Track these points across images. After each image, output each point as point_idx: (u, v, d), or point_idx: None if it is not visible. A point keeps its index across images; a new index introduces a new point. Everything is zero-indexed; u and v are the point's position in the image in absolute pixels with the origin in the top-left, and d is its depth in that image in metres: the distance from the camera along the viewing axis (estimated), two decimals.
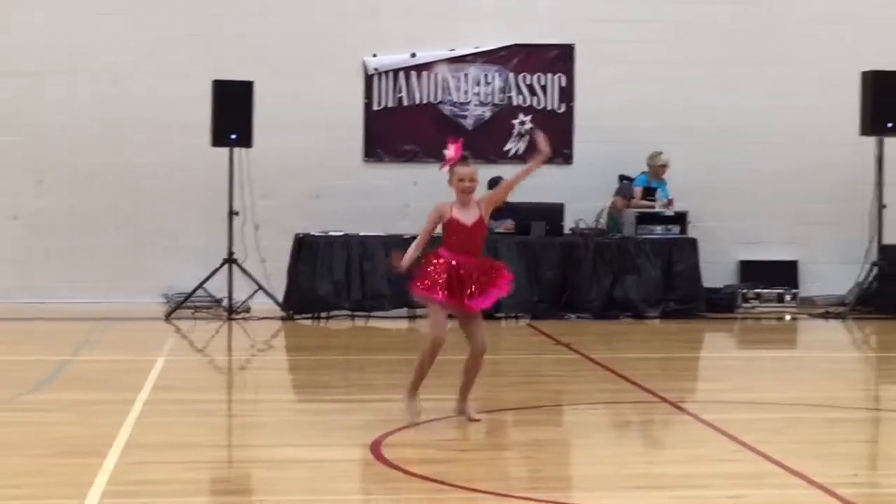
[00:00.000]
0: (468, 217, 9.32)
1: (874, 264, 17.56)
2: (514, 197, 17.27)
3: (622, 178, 18.31)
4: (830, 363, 13.79)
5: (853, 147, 17.97)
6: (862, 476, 8.07)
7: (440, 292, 9.16)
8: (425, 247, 9.39)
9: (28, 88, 17.91)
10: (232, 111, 16.86)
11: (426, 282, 9.24)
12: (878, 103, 17.41)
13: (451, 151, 9.47)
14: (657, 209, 17.78)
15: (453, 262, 9.22)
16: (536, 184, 17.90)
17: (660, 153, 18.13)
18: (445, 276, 9.17)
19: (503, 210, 17.27)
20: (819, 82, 18.77)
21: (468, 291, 9.18)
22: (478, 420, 9.39)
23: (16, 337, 15.30)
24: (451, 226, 9.32)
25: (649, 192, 17.98)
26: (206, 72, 17.28)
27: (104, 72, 18.03)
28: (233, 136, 16.85)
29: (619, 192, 18.15)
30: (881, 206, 17.59)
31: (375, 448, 8.45)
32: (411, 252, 9.37)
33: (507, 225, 17.35)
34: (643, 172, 18.19)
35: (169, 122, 17.91)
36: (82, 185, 18.02)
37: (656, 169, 18.17)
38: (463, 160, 9.42)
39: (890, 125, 17.40)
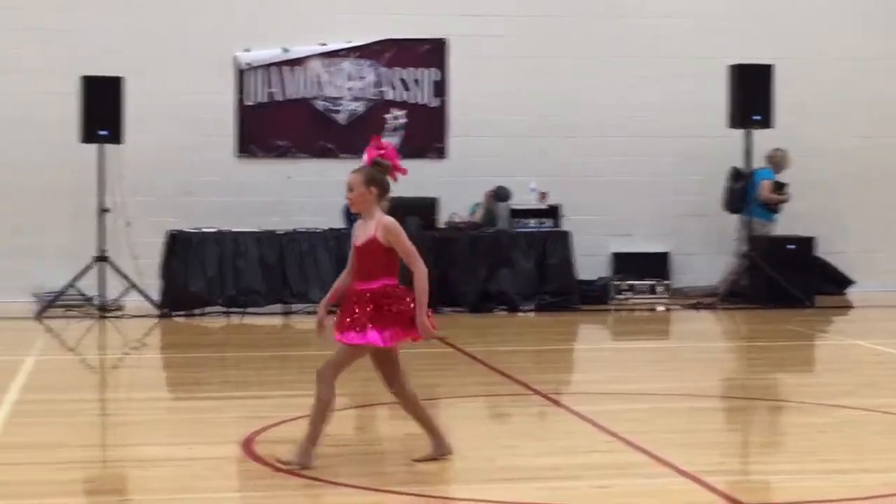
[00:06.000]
0: (361, 234, 7.91)
1: (744, 255, 17.83)
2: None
3: (735, 170, 18.24)
4: (700, 353, 13.98)
5: (720, 139, 18.22)
6: (728, 464, 8.18)
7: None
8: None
9: None
10: (101, 107, 16.69)
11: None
12: (745, 96, 17.67)
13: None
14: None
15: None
16: (409, 179, 18.00)
17: (783, 149, 18.20)
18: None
19: None
20: (689, 76, 19.00)
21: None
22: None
23: None
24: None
25: (779, 187, 18.04)
26: (73, 68, 17.06)
27: None
28: (102, 133, 16.67)
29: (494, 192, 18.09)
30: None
31: (247, 445, 8.41)
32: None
33: None
34: (763, 167, 18.19)
35: (36, 119, 17.63)
36: None
37: (782, 163, 18.23)
38: (375, 164, 7.92)
39: (756, 117, 17.66)
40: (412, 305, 7.81)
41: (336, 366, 7.85)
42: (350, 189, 7.90)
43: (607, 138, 19.01)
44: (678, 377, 11.95)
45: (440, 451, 8.05)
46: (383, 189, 7.93)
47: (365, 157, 7.99)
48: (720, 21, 19.18)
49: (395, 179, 8.05)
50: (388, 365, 8.03)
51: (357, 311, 7.73)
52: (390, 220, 7.86)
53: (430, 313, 7.89)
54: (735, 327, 16.53)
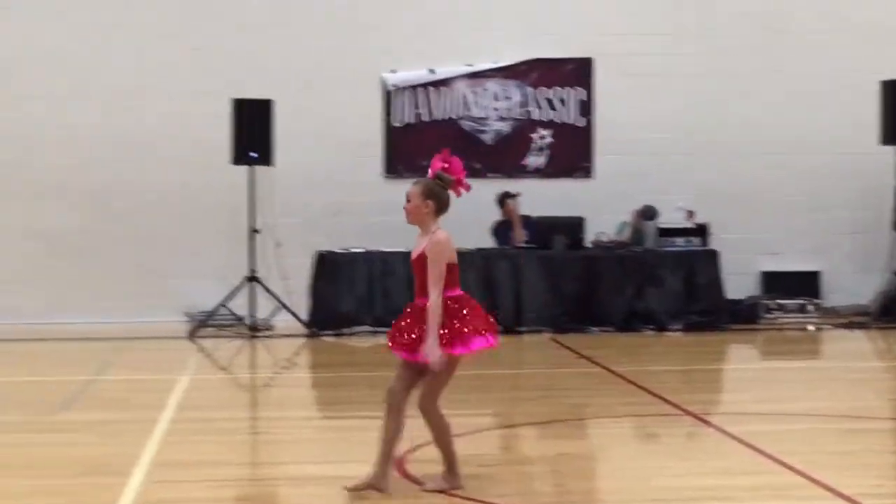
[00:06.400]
0: (416, 248, 7.95)
1: None
2: (534, 211, 17.43)
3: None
4: (854, 373, 13.72)
5: (872, 156, 17.91)
6: (886, 486, 8.03)
7: None
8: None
9: (47, 109, 17.90)
10: (251, 129, 16.95)
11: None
12: None
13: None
14: None
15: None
16: (556, 198, 18.04)
17: None
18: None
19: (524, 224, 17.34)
20: (839, 91, 18.72)
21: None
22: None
23: (38, 358, 15.33)
24: None
25: None
26: (223, 90, 17.31)
27: (120, 90, 18.03)
28: (253, 154, 16.92)
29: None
30: None
31: (399, 464, 8.44)
32: None
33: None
34: None
35: (188, 141, 17.90)
36: (103, 204, 18.02)
37: None
38: (437, 178, 7.86)
39: None
40: (455, 324, 7.75)
41: (433, 394, 7.85)
42: (408, 200, 7.86)
43: (756, 156, 18.79)
44: (831, 397, 11.76)
45: (380, 482, 7.78)
46: (441, 203, 7.84)
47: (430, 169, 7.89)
48: (873, 36, 18.85)
49: (459, 195, 7.94)
50: (420, 378, 7.93)
51: (418, 330, 7.88)
52: (442, 236, 7.78)
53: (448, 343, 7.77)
54: (888, 347, 16.23)
